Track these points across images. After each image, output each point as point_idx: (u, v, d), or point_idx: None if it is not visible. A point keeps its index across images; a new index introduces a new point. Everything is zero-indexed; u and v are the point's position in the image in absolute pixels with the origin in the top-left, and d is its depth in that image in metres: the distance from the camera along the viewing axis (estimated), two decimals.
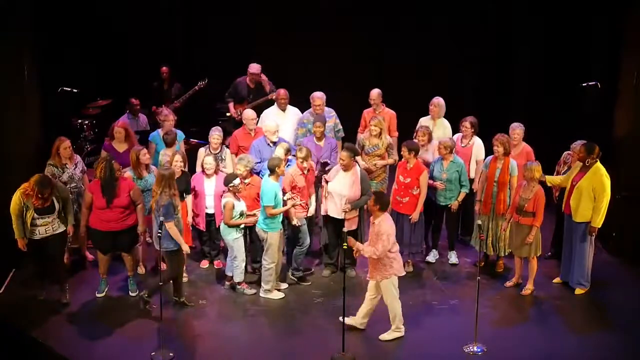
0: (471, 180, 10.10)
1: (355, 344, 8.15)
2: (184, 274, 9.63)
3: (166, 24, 13.83)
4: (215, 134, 10.02)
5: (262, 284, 9.21)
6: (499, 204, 9.56)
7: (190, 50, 14.02)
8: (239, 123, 10.94)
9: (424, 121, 10.62)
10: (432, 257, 10.20)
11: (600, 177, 9.04)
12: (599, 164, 9.10)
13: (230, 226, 9.01)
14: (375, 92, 10.87)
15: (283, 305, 9.13)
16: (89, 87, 12.83)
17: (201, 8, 13.75)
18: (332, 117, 10.69)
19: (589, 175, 9.07)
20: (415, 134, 10.28)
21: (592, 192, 9.04)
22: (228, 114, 11.95)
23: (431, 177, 9.82)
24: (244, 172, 9.22)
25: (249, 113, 10.45)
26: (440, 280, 9.75)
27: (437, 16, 13.53)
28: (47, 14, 11.55)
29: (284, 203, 9.03)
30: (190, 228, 9.60)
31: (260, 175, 9.53)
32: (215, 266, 9.95)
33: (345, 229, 8.55)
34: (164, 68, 12.82)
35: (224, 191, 9.20)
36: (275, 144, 9.88)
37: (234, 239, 9.07)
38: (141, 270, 9.75)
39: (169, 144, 10.02)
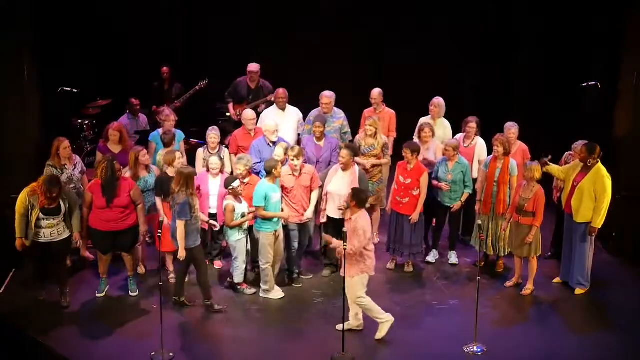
0: (474, 181, 10.10)
1: (355, 344, 8.15)
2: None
3: (166, 24, 13.84)
4: (212, 134, 10.02)
5: (261, 284, 9.22)
6: (499, 204, 9.56)
7: (190, 50, 14.02)
8: (238, 123, 10.94)
9: (424, 121, 10.61)
10: (432, 257, 10.20)
11: (601, 177, 9.03)
12: (600, 164, 9.09)
13: (232, 228, 9.01)
14: (376, 92, 10.87)
15: (283, 305, 9.13)
16: (89, 87, 12.83)
17: (201, 8, 13.76)
18: (340, 119, 10.67)
19: (590, 176, 9.07)
20: (417, 133, 10.27)
21: (593, 193, 9.04)
22: (228, 114, 11.96)
23: (435, 178, 9.82)
24: (243, 171, 9.22)
25: (248, 113, 10.45)
26: (440, 280, 9.75)
27: (437, 16, 13.53)
28: (47, 14, 11.55)
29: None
30: None
31: (260, 175, 9.53)
32: (215, 266, 9.95)
33: (345, 229, 8.53)
34: (165, 68, 12.82)
35: (227, 192, 9.21)
36: (275, 143, 9.88)
37: (236, 240, 9.07)
38: (141, 270, 9.75)
39: (166, 143, 10.02)
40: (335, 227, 9.38)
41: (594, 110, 11.13)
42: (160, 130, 10.48)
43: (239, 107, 11.62)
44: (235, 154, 10.17)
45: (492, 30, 13.44)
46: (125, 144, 10.18)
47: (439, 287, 9.60)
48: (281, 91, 10.88)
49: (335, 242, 8.32)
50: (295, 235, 9.38)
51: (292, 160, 9.17)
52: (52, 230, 8.63)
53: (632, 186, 10.11)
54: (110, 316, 8.81)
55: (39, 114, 10.72)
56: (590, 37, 11.87)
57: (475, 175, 10.10)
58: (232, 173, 9.91)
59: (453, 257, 10.15)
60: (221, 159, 9.78)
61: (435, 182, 9.81)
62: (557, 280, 9.62)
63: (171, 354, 7.99)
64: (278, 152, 9.46)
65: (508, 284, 9.55)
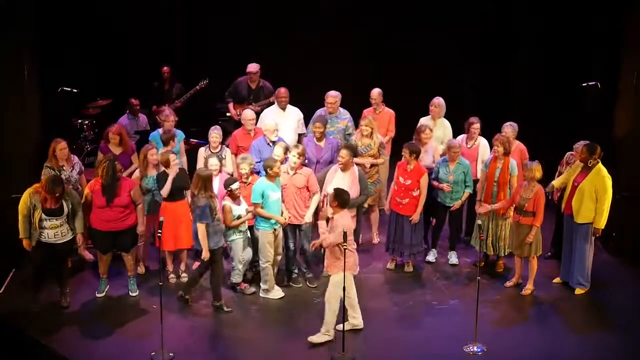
0: (476, 181, 10.08)
1: (355, 344, 8.15)
2: (184, 274, 9.66)
3: (166, 24, 13.84)
4: (214, 133, 10.03)
5: (261, 283, 9.22)
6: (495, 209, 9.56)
7: (190, 50, 14.03)
8: (239, 123, 10.95)
9: (424, 121, 10.61)
10: (432, 256, 10.20)
11: (602, 178, 9.03)
12: (600, 164, 9.09)
13: (230, 228, 9.01)
14: (376, 92, 10.88)
15: (283, 305, 9.13)
16: (89, 87, 12.83)
17: (201, 8, 13.76)
18: (345, 119, 10.66)
19: (591, 176, 9.06)
20: (416, 134, 10.26)
21: (594, 193, 9.03)
22: (228, 114, 11.96)
23: (435, 179, 9.81)
24: (248, 170, 9.22)
25: (247, 114, 10.44)
26: (440, 280, 9.75)
27: (437, 16, 13.53)
28: (47, 14, 11.55)
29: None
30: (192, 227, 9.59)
31: (260, 174, 9.53)
32: None
33: (345, 230, 8.52)
34: (165, 68, 12.82)
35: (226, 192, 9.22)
36: (275, 143, 9.88)
37: (231, 240, 9.07)
38: (141, 270, 9.75)
39: (164, 142, 10.02)
40: None
41: (594, 110, 11.13)
42: (161, 130, 10.48)
43: (239, 107, 11.62)
44: (235, 154, 10.17)
45: (492, 30, 13.45)
46: (126, 146, 10.19)
47: (439, 287, 9.59)
48: (283, 91, 10.88)
49: (323, 226, 8.32)
50: (291, 235, 9.35)
51: (293, 156, 9.15)
52: (55, 232, 8.62)
53: (632, 186, 10.11)
54: (110, 316, 8.81)
55: (39, 114, 10.72)
56: (590, 37, 11.88)
57: (479, 175, 10.11)
58: (232, 174, 9.93)
59: (453, 257, 10.15)
60: (221, 159, 9.79)
61: (435, 183, 9.80)
62: (557, 280, 9.62)
63: (171, 354, 7.99)
64: (277, 152, 9.45)
65: (508, 284, 9.55)
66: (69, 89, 12.31)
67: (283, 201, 9.18)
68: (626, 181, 10.10)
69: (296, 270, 9.55)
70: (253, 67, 11.70)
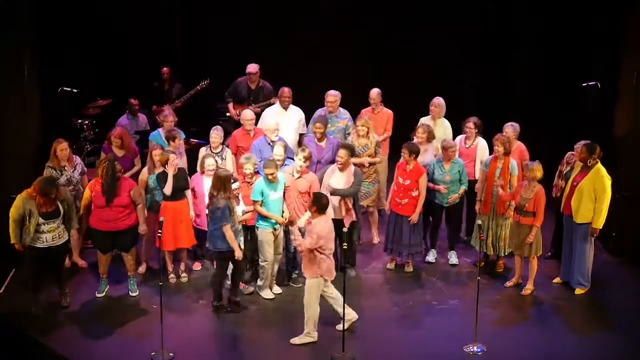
0: (476, 181, 10.09)
1: (355, 344, 8.15)
2: (184, 274, 9.66)
3: (166, 24, 13.84)
4: (214, 134, 10.02)
5: (258, 280, 9.23)
6: (499, 204, 9.55)
7: (190, 50, 14.02)
8: (238, 123, 10.94)
9: (424, 121, 10.61)
10: (432, 256, 10.20)
11: (601, 178, 9.03)
12: (600, 164, 9.09)
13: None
14: (374, 92, 10.88)
15: (283, 305, 9.13)
16: (89, 87, 12.82)
17: (201, 8, 13.76)
18: (345, 119, 10.66)
19: (590, 176, 9.06)
20: (413, 132, 10.25)
21: (593, 193, 9.03)
22: (228, 114, 11.96)
23: (431, 180, 9.80)
24: (253, 170, 9.22)
25: (246, 114, 10.44)
26: (440, 280, 9.75)
27: (437, 16, 13.53)
28: (47, 14, 11.55)
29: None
30: (192, 226, 9.59)
31: (260, 174, 9.53)
32: (215, 266, 9.93)
33: (345, 229, 8.53)
34: (165, 68, 12.82)
35: None
36: (274, 143, 9.87)
37: None
38: (141, 269, 9.74)
39: (168, 140, 10.03)
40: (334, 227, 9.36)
41: (594, 110, 11.12)
42: (161, 130, 10.48)
43: (239, 107, 11.61)
44: (235, 154, 10.17)
45: (492, 30, 13.44)
46: (128, 148, 10.20)
47: (439, 287, 9.59)
48: (286, 90, 10.88)
49: (295, 232, 8.29)
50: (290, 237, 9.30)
51: (299, 160, 9.11)
52: (53, 235, 8.61)
53: (632, 186, 10.11)
54: (110, 316, 8.81)
55: (39, 114, 10.73)
56: (590, 37, 11.87)
57: (477, 175, 10.11)
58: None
59: (453, 258, 10.14)
60: (221, 160, 9.79)
61: (431, 185, 9.78)
62: (557, 280, 9.62)
63: (171, 354, 7.99)
64: (278, 151, 9.43)
65: (508, 284, 9.55)
66: (69, 89, 12.30)
67: (286, 204, 9.17)
68: (626, 181, 10.11)
69: (297, 271, 9.55)
70: (253, 68, 11.70)
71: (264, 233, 9.01)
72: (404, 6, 13.48)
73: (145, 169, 9.61)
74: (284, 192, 9.16)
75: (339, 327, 8.12)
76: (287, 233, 9.31)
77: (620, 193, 9.93)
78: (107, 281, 9.27)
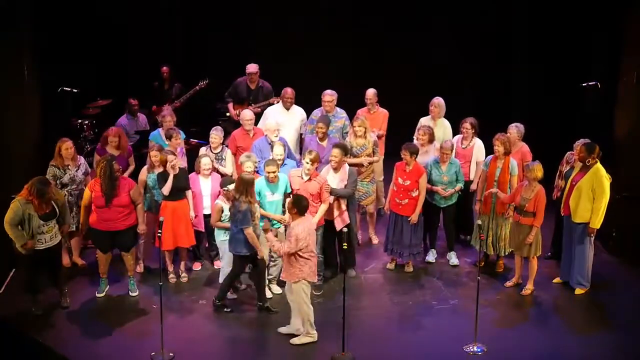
0: (471, 182, 10.10)
1: (355, 344, 8.15)
2: (184, 274, 9.66)
3: (166, 24, 13.84)
4: (214, 134, 10.03)
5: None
6: (499, 204, 9.55)
7: (190, 50, 14.02)
8: (238, 123, 10.94)
9: (424, 121, 10.61)
10: (432, 256, 10.20)
11: (600, 177, 9.03)
12: (599, 164, 9.09)
13: (218, 228, 9.01)
14: (370, 92, 10.87)
15: (283, 305, 9.11)
16: (89, 87, 12.82)
17: (201, 8, 13.76)
18: (342, 118, 10.66)
19: (589, 176, 9.06)
20: (415, 133, 10.27)
21: (591, 193, 9.03)
22: (228, 114, 11.96)
23: (428, 181, 9.79)
24: (253, 169, 9.22)
25: (246, 114, 10.44)
26: (440, 280, 9.75)
27: (437, 16, 13.54)
28: (47, 14, 11.55)
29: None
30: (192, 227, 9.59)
31: (260, 173, 9.54)
32: (215, 266, 9.94)
33: (345, 229, 8.52)
34: (164, 68, 12.83)
35: (219, 191, 9.21)
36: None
37: (221, 241, 9.07)
38: (140, 269, 9.74)
39: (167, 137, 10.04)
40: (331, 227, 9.36)
41: (594, 110, 11.12)
42: (161, 130, 10.49)
43: (239, 108, 11.62)
44: (235, 155, 10.17)
45: (492, 30, 13.44)
46: (123, 148, 10.20)
47: (439, 287, 9.59)
48: (289, 91, 10.89)
49: (270, 237, 8.28)
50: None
51: (307, 163, 9.03)
52: (51, 235, 8.63)
53: (632, 186, 10.11)
54: (110, 316, 8.82)
55: (39, 114, 10.73)
56: (590, 37, 11.87)
57: (472, 176, 10.13)
58: (231, 175, 9.94)
59: (453, 258, 10.14)
60: (219, 159, 9.78)
61: (429, 186, 9.75)
62: (557, 280, 9.62)
63: (171, 354, 7.99)
64: (278, 151, 9.42)
65: (508, 284, 9.55)
66: (69, 89, 12.30)
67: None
68: (626, 181, 10.10)
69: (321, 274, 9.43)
70: (253, 67, 11.71)
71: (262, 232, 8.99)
72: (404, 6, 13.48)
73: (144, 169, 9.61)
74: (291, 195, 9.14)
75: (292, 340, 8.20)
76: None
77: (620, 193, 9.92)
78: (107, 281, 9.28)
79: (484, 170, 9.74)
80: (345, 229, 8.53)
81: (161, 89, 12.88)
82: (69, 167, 9.51)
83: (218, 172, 9.91)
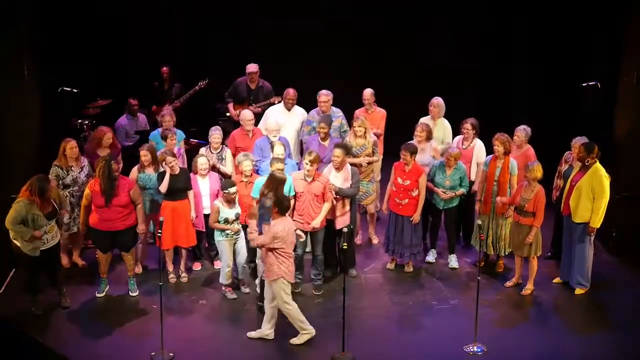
0: (471, 183, 10.10)
1: (355, 344, 8.15)
2: (184, 274, 9.66)
3: (166, 24, 13.84)
4: (215, 134, 10.03)
5: (256, 280, 9.20)
6: (499, 204, 9.55)
7: (190, 50, 14.03)
8: (238, 123, 10.94)
9: (424, 121, 10.59)
10: (432, 256, 10.20)
11: (599, 177, 9.03)
12: (598, 164, 9.09)
13: (213, 228, 9.01)
14: (368, 92, 10.87)
15: None
16: (89, 87, 12.82)
17: (201, 8, 13.76)
18: (338, 117, 10.67)
19: (588, 176, 9.06)
20: (414, 132, 10.25)
21: (591, 193, 9.03)
22: (228, 114, 11.97)
23: (431, 181, 9.79)
24: (251, 167, 9.20)
25: (246, 114, 10.44)
26: (440, 280, 9.75)
27: (437, 16, 13.54)
28: (47, 14, 11.55)
29: None
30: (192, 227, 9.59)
31: (259, 172, 9.54)
32: (215, 267, 9.94)
33: (345, 229, 8.52)
34: (164, 68, 12.83)
35: (218, 190, 9.21)
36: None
37: (218, 241, 9.07)
38: (138, 269, 9.73)
39: (163, 137, 10.03)
40: (331, 227, 9.36)
41: (594, 110, 11.12)
42: (161, 130, 10.50)
43: (239, 108, 11.62)
44: (234, 155, 10.17)
45: (492, 30, 13.44)
46: (115, 146, 10.21)
47: (439, 287, 9.59)
48: (291, 92, 10.88)
49: (252, 227, 8.27)
50: (300, 242, 9.05)
51: (307, 164, 9.00)
52: (52, 234, 8.64)
53: (632, 186, 10.11)
54: (110, 316, 8.82)
55: (39, 114, 10.72)
56: (590, 37, 11.87)
57: (473, 177, 10.12)
58: (231, 175, 9.94)
59: (453, 261, 10.11)
60: (219, 159, 9.78)
61: (430, 185, 9.76)
62: (557, 280, 9.62)
63: (171, 354, 7.99)
64: (279, 151, 9.40)
65: (508, 284, 9.55)
66: (69, 89, 12.30)
67: (300, 208, 9.05)
68: (626, 181, 10.10)
69: (300, 276, 9.41)
70: (253, 67, 11.71)
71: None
72: (404, 6, 13.48)
73: (134, 168, 9.60)
74: (298, 199, 9.09)
75: (250, 333, 8.23)
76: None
77: (620, 193, 9.92)
78: (107, 281, 9.28)
79: (484, 170, 9.74)
80: (345, 229, 8.53)
81: (161, 89, 12.88)
82: (72, 168, 9.51)
83: (219, 172, 9.92)
